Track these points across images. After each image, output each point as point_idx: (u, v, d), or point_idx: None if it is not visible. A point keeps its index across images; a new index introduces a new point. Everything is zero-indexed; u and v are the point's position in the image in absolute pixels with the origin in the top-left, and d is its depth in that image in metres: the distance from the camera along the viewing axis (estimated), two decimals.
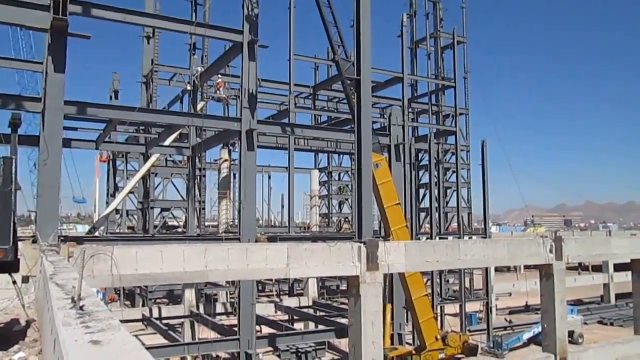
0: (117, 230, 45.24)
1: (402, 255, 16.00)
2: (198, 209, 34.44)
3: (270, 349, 28.96)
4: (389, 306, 24.31)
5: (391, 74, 35.37)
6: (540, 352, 20.14)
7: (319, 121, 44.82)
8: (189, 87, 30.54)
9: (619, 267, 51.75)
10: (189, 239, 26.12)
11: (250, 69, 21.80)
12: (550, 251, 19.28)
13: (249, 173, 21.87)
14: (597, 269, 59.82)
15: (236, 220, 32.46)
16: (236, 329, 21.55)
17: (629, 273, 24.01)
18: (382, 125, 34.47)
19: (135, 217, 47.79)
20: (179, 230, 44.08)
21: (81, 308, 4.66)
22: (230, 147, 36.69)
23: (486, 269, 35.12)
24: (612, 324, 42.68)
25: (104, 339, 3.50)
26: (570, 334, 32.37)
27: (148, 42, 36.29)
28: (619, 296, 53.21)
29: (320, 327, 28.77)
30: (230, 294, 37.44)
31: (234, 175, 38.57)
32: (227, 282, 34.09)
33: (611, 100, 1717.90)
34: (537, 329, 29.95)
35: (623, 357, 22.04)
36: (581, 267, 66.31)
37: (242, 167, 21.92)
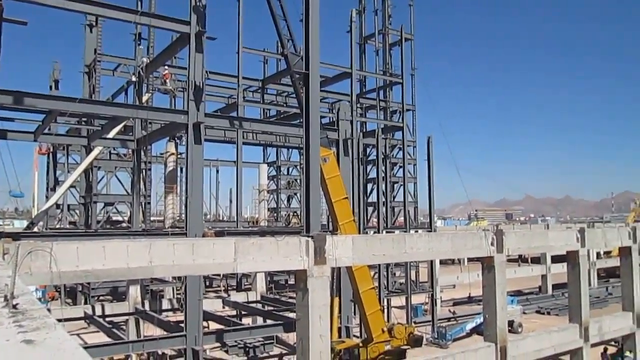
0: (58, 226, 43.62)
1: (350, 249, 16.14)
2: (143, 203, 33.60)
3: (218, 344, 28.68)
4: (336, 300, 24.52)
5: (340, 69, 35.60)
6: (482, 341, 20.78)
7: (268, 115, 44.59)
8: (134, 79, 29.71)
9: (556, 259, 54.03)
10: (133, 234, 25.51)
11: (197, 61, 21.44)
12: (492, 244, 19.91)
13: (196, 167, 21.54)
14: (536, 260, 62.34)
15: (183, 215, 31.94)
16: (183, 325, 21.26)
17: (565, 264, 25.07)
18: (331, 120, 34.58)
19: (77, 212, 46.20)
20: (124, 225, 42.93)
21: (14, 306, 4.47)
22: (177, 141, 36.00)
23: (431, 261, 36.03)
24: (549, 313, 44.63)
25: (37, 339, 3.37)
26: (510, 323, 33.58)
27: (91, 31, 35.01)
28: (555, 287, 55.69)
29: (269, 321, 28.72)
30: (177, 289, 36.83)
31: (181, 169, 37.90)
32: (174, 277, 33.51)
33: (550, 99, 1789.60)
34: (480, 320, 30.95)
35: (559, 344, 23.09)
36: (521, 259, 68.94)
37: (188, 160, 21.56)
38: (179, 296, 34.98)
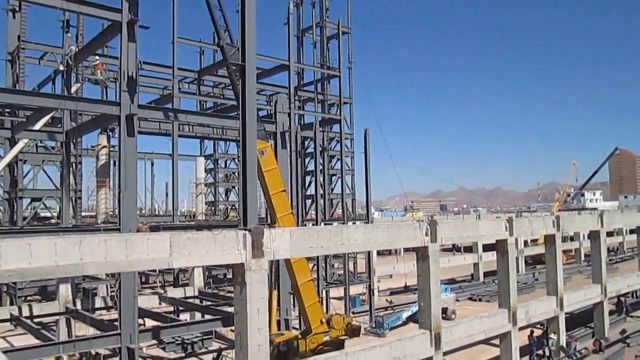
0: None
1: (287, 241, 16.17)
2: (74, 198, 32.26)
3: (155, 342, 28.09)
4: (275, 292, 24.53)
5: (278, 61, 35.40)
6: (417, 329, 21.39)
7: (205, 107, 43.80)
8: (62, 68, 28.39)
9: (487, 248, 56.24)
10: (63, 230, 24.49)
11: (129, 50, 20.79)
12: (426, 234, 20.49)
13: (130, 160, 20.95)
14: (469, 249, 64.71)
15: (116, 210, 30.94)
16: (117, 323, 20.68)
17: (495, 253, 26.15)
18: (269, 112, 34.40)
19: (2, 208, 43.79)
20: (53, 222, 41.09)
21: None
22: (110, 133, 34.80)
23: (369, 252, 36.65)
24: (480, 300, 46.44)
25: None
26: (444, 310, 34.69)
27: (13, 16, 33.14)
28: (486, 274, 58.06)
29: (207, 316, 28.36)
30: (111, 287, 35.74)
31: (114, 162, 36.67)
32: (107, 274, 32.48)
33: (480, 92, 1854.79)
34: (415, 308, 31.80)
35: (489, 328, 24.10)
36: (455, 249, 71.34)
37: (121, 153, 20.94)
38: (113, 294, 33.96)
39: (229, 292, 35.87)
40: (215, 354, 27.20)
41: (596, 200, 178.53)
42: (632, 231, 66.73)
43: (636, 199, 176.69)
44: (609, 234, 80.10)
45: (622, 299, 37.57)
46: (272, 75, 38.32)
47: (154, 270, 43.88)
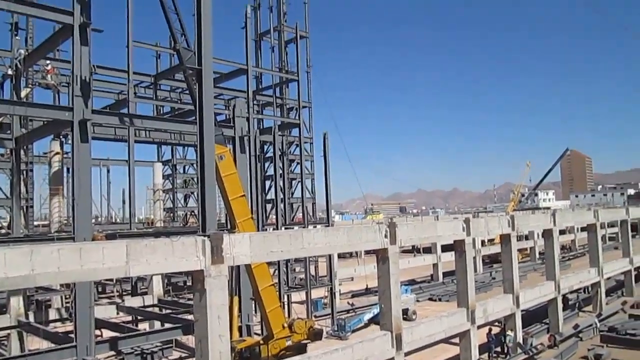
0: None
1: (247, 247, 16.06)
2: (25, 207, 31.22)
3: (113, 353, 27.39)
4: (235, 298, 24.31)
5: (235, 65, 35.14)
6: (379, 330, 21.55)
7: (162, 112, 43.07)
8: (10, 72, 27.46)
9: (445, 248, 57.17)
10: (13, 240, 23.67)
11: (82, 54, 20.34)
12: (386, 236, 20.69)
13: (84, 167, 20.46)
14: (428, 250, 65.64)
15: (70, 219, 30.06)
16: (73, 335, 20.11)
17: (453, 253, 26.62)
18: (227, 117, 34.10)
19: None
20: (3, 232, 39.60)
21: None
22: (62, 139, 33.84)
23: (330, 256, 36.70)
24: (440, 300, 47.16)
25: None
26: (405, 311, 35.15)
27: None
28: (446, 274, 59.02)
29: (167, 325, 27.86)
30: (66, 298, 34.67)
31: (67, 169, 35.62)
32: (62, 285, 31.48)
33: (441, 94, 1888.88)
34: (376, 310, 32.05)
35: (449, 327, 24.51)
36: (415, 250, 72.27)
37: (75, 160, 20.43)
38: (68, 305, 32.96)
39: (189, 299, 35.30)
40: None
41: (549, 199, 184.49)
42: (583, 229, 69.05)
43: (586, 198, 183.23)
44: (562, 232, 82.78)
45: (568, 296, 38.81)
46: (230, 79, 38.00)
47: (111, 280, 42.84)
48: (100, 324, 26.65)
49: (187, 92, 35.80)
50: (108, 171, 53.89)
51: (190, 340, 26.43)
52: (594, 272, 38.49)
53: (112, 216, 61.84)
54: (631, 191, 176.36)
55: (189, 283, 43.81)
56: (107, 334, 27.32)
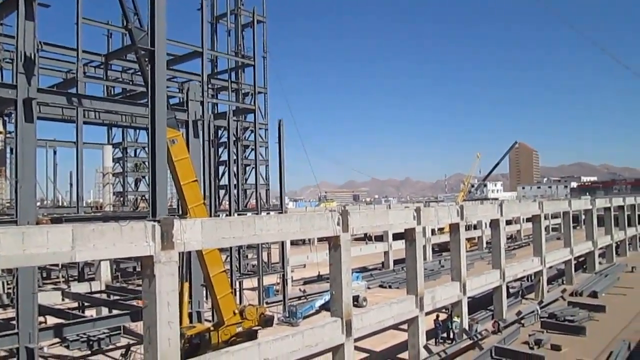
0: None
1: (199, 232, 15.86)
2: None
3: (58, 340, 26.70)
4: (186, 285, 24.04)
5: (190, 47, 34.44)
6: (329, 317, 21.77)
7: (113, 93, 41.81)
8: None
9: (397, 237, 58.11)
10: None
11: (27, 29, 19.49)
12: (338, 224, 20.85)
13: (28, 147, 19.70)
14: (380, 238, 66.63)
15: (13, 202, 28.90)
16: (15, 322, 19.46)
17: (404, 241, 27.09)
18: (180, 100, 33.45)
19: None
20: None
21: None
22: (6, 118, 32.48)
23: (282, 242, 36.74)
24: (390, 287, 48.01)
25: None
26: (356, 298, 35.64)
27: None
28: (396, 262, 60.12)
29: (115, 312, 27.33)
30: (8, 283, 33.48)
31: (11, 149, 34.19)
32: (3, 270, 30.37)
33: (395, 84, 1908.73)
34: (328, 296, 32.34)
35: (398, 314, 25.00)
36: (367, 238, 73.22)
37: (19, 140, 19.66)
38: (9, 291, 31.87)
39: (138, 285, 34.70)
40: (124, 350, 26.25)
41: (497, 190, 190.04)
42: (528, 219, 71.49)
43: (532, 190, 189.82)
44: (508, 223, 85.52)
45: (512, 284, 40.23)
46: (184, 62, 37.24)
47: (57, 265, 41.59)
48: (45, 310, 25.89)
49: (139, 73, 34.93)
50: (55, 153, 51.99)
51: (138, 327, 26.05)
52: (537, 261, 40.01)
53: (59, 199, 59.87)
54: (574, 184, 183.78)
55: (139, 269, 43.06)
56: (52, 320, 26.57)
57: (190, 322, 24.98)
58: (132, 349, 25.76)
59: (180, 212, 24.40)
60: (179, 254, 15.84)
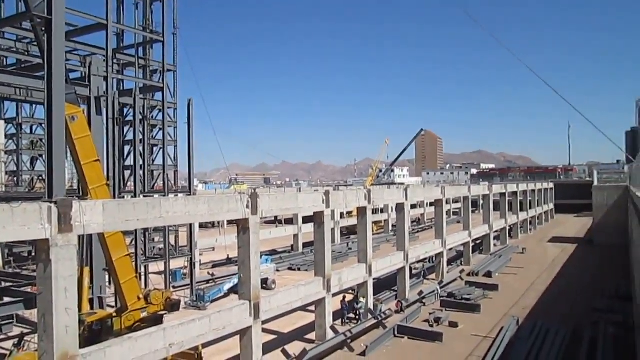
0: None
1: (100, 214, 15.12)
2: None
3: None
4: (86, 269, 22.95)
5: (93, 19, 32.40)
6: (237, 300, 21.67)
7: (5, 64, 38.65)
8: None
9: (307, 220, 58.79)
10: None
11: None
12: (248, 207, 20.71)
13: None
14: (290, 221, 67.09)
15: None
16: None
17: (313, 224, 27.43)
18: (83, 74, 31.52)
19: None
20: None
21: None
22: None
23: (190, 225, 35.98)
24: (299, 269, 48.59)
25: None
26: (265, 281, 35.69)
27: None
28: (306, 245, 60.91)
29: (6, 299, 25.63)
30: None
31: None
32: None
33: (307, 67, 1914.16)
34: (237, 280, 32.13)
35: (305, 296, 25.37)
36: (277, 221, 73.49)
37: None
38: None
39: (33, 271, 32.70)
40: (17, 339, 24.67)
41: (403, 175, 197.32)
42: (431, 204, 74.91)
43: (436, 176, 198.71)
44: (413, 207, 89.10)
45: (415, 265, 42.08)
46: (87, 34, 34.97)
47: None
48: None
49: (36, 43, 32.50)
50: None
51: (33, 314, 24.59)
52: (439, 244, 42.05)
53: None
54: (474, 171, 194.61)
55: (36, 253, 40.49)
56: None
57: (92, 308, 23.95)
58: (26, 338, 24.27)
59: (81, 193, 23.18)
60: (79, 237, 15.05)
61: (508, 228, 64.31)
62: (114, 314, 22.10)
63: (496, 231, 60.27)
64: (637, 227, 27.20)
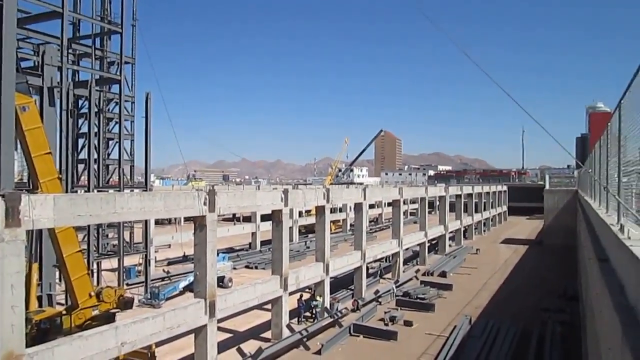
0: None
1: (51, 209, 14.64)
2: None
3: None
4: (35, 265, 22.22)
5: (48, 6, 31.31)
6: (193, 298, 21.38)
7: None
8: None
9: (265, 218, 58.52)
10: None
11: None
12: (205, 204, 20.45)
13: None
14: (248, 219, 66.64)
15: None
16: None
17: (271, 222, 27.31)
18: (35, 64, 30.44)
19: None
20: None
21: None
22: None
23: (146, 221, 35.27)
24: (257, 267, 48.29)
25: None
26: (222, 279, 35.38)
27: None
28: (264, 243, 60.56)
29: None
30: None
31: None
32: None
33: (270, 64, 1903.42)
34: (192, 277, 31.71)
35: (262, 294, 25.25)
36: (235, 219, 72.86)
37: None
38: None
39: None
40: None
41: (363, 175, 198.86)
42: (389, 204, 75.73)
43: (395, 176, 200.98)
44: (372, 206, 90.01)
45: (372, 264, 42.43)
46: (41, 21, 33.73)
47: None
48: None
49: None
50: None
51: None
52: (395, 243, 42.57)
53: None
54: (431, 172, 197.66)
55: None
56: None
57: (40, 306, 23.17)
58: None
59: (31, 187, 22.39)
60: (27, 232, 14.53)
61: (463, 229, 65.74)
62: (64, 312, 21.46)
63: (451, 232, 61.49)
64: (585, 230, 28.19)
